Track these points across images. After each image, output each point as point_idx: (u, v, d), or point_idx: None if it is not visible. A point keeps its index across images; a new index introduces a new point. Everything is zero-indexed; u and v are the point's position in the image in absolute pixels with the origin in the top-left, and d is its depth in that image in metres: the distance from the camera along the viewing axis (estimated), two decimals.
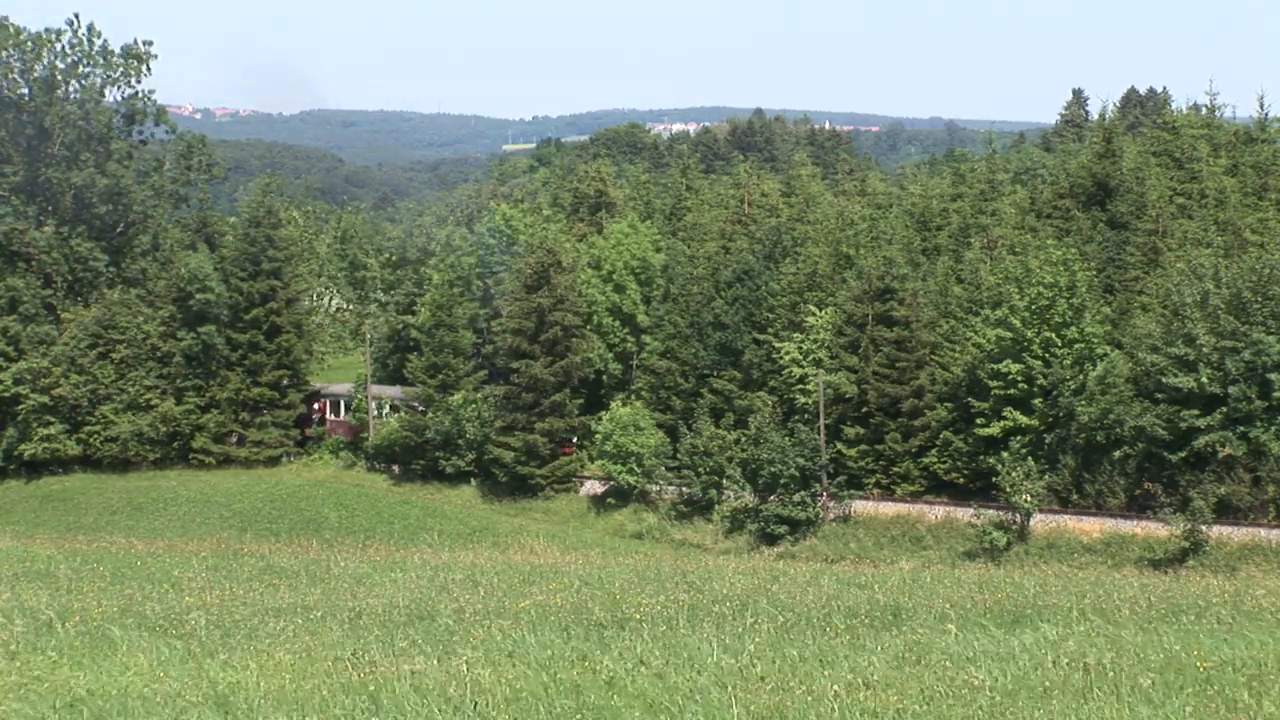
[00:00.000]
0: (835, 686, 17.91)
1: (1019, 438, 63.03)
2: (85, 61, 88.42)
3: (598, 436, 72.55)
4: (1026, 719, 16.48)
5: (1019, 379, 63.10)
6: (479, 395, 76.01)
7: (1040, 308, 63.47)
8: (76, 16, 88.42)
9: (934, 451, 66.81)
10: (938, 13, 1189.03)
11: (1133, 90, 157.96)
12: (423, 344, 79.19)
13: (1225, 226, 72.03)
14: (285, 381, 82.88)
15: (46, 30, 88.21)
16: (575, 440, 74.80)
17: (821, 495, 66.71)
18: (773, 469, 66.16)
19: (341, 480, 78.64)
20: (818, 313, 72.12)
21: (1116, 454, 61.80)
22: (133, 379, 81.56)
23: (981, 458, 64.33)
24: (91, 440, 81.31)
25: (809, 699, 17.30)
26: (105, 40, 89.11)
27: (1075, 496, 62.79)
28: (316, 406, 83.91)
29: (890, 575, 43.95)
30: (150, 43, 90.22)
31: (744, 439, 69.02)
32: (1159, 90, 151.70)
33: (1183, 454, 59.11)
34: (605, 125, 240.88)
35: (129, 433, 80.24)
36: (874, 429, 68.19)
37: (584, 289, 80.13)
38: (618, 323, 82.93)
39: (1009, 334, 63.57)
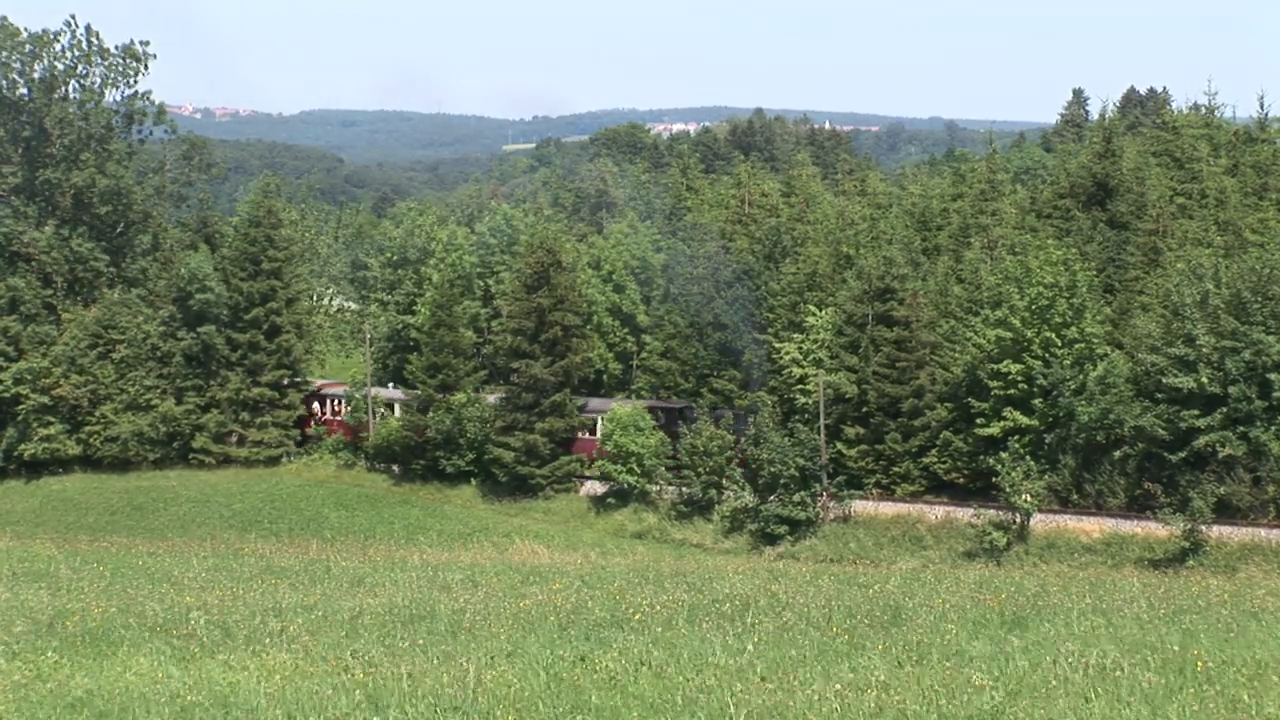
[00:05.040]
0: (835, 686, 17.93)
1: (1019, 438, 63.02)
2: (84, 62, 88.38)
3: (597, 437, 72.59)
4: (1027, 719, 16.49)
5: (1019, 379, 63.09)
6: (478, 395, 76.01)
7: (1040, 308, 63.45)
8: (73, 17, 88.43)
9: (934, 451, 66.79)
10: (938, 13, 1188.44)
11: (1133, 90, 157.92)
12: (423, 344, 79.17)
13: (1225, 226, 72.00)
14: (285, 381, 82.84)
15: (45, 31, 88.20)
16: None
17: (821, 495, 66.68)
18: (772, 469, 66.14)
19: (341, 480, 78.64)
20: (818, 313, 72.11)
21: (1116, 454, 61.79)
22: (133, 379, 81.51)
23: (981, 458, 64.29)
24: (91, 440, 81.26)
25: (809, 699, 17.30)
26: (101, 40, 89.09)
27: (1075, 496, 62.77)
28: (324, 409, 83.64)
29: (890, 575, 44.01)
30: (147, 43, 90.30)
31: (744, 439, 69.00)
32: (1159, 90, 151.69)
33: (1183, 454, 59.08)
34: (605, 125, 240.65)
35: (129, 433, 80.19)
36: (874, 429, 68.17)
37: (584, 289, 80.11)
38: (618, 323, 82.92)
39: (1009, 334, 63.56)
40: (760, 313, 74.71)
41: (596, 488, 73.22)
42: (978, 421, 64.33)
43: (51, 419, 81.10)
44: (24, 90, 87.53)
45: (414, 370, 78.10)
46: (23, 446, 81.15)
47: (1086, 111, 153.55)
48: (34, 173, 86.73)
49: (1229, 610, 28.86)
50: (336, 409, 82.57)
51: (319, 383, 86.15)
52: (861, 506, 66.65)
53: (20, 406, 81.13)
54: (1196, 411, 58.66)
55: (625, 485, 70.91)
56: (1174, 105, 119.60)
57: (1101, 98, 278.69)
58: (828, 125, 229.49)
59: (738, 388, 74.82)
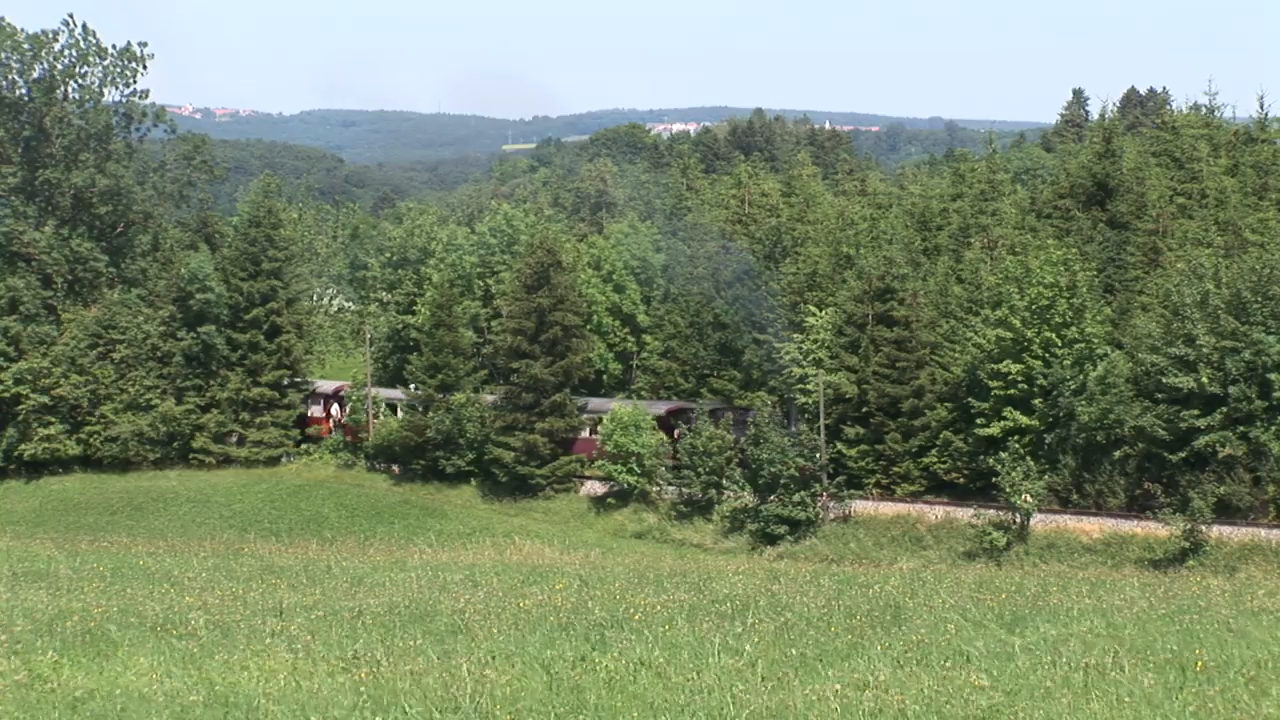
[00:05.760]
0: (835, 686, 17.92)
1: (1019, 438, 63.02)
2: (82, 62, 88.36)
3: (598, 437, 72.63)
4: (1026, 719, 16.49)
5: (1019, 379, 63.10)
6: (478, 395, 76.00)
7: (1040, 308, 63.46)
8: (71, 16, 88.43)
9: (934, 451, 66.78)
10: (937, 13, 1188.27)
11: (1133, 90, 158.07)
12: (423, 344, 79.16)
13: (1225, 226, 71.99)
14: (285, 381, 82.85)
15: (43, 31, 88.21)
16: None
17: (821, 495, 66.67)
18: (772, 469, 66.13)
19: (341, 480, 78.64)
20: (818, 313, 72.11)
21: (1116, 454, 61.80)
22: (133, 379, 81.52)
23: (981, 458, 64.31)
24: (91, 440, 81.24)
25: (809, 699, 17.30)
26: (99, 40, 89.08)
27: (1075, 496, 62.77)
28: (343, 411, 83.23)
29: (890, 575, 44.02)
30: (145, 43, 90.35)
31: (744, 439, 69.02)
32: (1159, 90, 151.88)
33: (1183, 454, 59.09)
34: (605, 125, 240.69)
35: (129, 433, 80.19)
36: (874, 429, 68.19)
37: (584, 289, 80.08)
38: (618, 323, 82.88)
39: (1009, 334, 63.57)
40: (760, 313, 74.72)
41: (596, 488, 73.24)
42: (978, 421, 64.33)
43: (51, 419, 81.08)
44: (23, 90, 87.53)
45: (414, 370, 78.09)
46: (23, 446, 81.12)
47: (1086, 111, 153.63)
48: (34, 173, 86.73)
49: (1229, 610, 28.86)
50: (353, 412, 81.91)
51: (337, 384, 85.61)
52: (861, 506, 66.64)
53: (20, 406, 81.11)
54: (1196, 411, 58.66)
55: (625, 485, 70.93)
56: (1174, 105, 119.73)
57: (1101, 98, 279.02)
58: (828, 125, 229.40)
59: (738, 388, 74.80)
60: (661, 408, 73.86)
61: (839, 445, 68.48)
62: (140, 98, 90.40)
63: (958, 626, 25.26)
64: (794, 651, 21.75)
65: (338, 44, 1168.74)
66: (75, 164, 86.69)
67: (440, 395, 75.74)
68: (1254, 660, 19.96)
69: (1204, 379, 58.35)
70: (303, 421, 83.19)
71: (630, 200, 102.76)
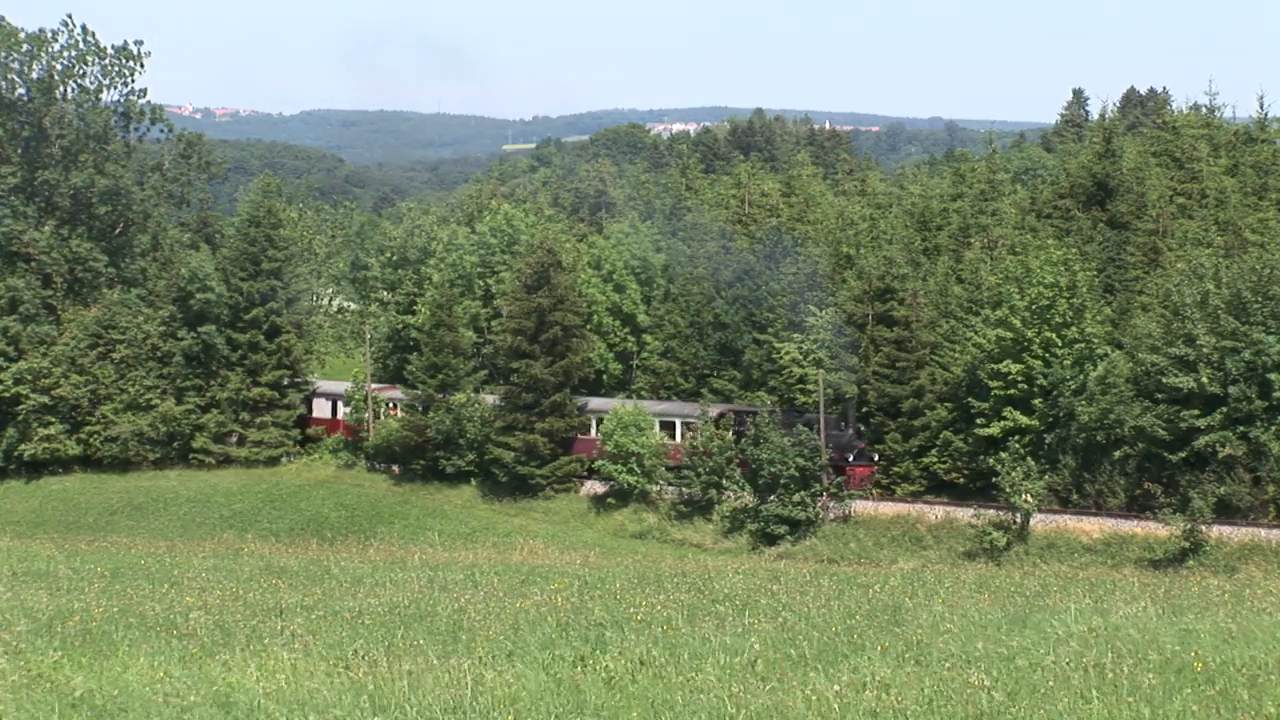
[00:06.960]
0: (835, 686, 17.93)
1: (1019, 438, 63.04)
2: (80, 62, 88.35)
3: (598, 437, 72.63)
4: (1026, 719, 16.49)
5: (1019, 379, 63.13)
6: (478, 395, 75.96)
7: (1040, 308, 63.49)
8: (70, 17, 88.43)
9: (934, 451, 66.82)
10: (937, 13, 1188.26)
11: (1133, 90, 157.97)
12: (423, 344, 79.13)
13: (1225, 226, 72.05)
14: (285, 381, 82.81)
15: (42, 30, 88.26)
16: None
17: (821, 495, 66.65)
18: (772, 469, 66.10)
19: (341, 480, 78.62)
20: (818, 313, 72.12)
21: (1116, 454, 61.83)
22: (133, 379, 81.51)
23: (981, 458, 64.33)
24: (91, 440, 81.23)
25: (809, 699, 17.31)
26: (97, 39, 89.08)
27: (1075, 496, 62.80)
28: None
29: (890, 575, 44.04)
30: (141, 42, 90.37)
31: (744, 439, 68.99)
32: (1159, 90, 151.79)
33: (1183, 454, 59.12)
34: (605, 125, 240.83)
35: (129, 433, 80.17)
36: (874, 429, 68.20)
37: (584, 289, 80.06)
38: (618, 323, 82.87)
39: (1009, 334, 63.60)
40: (760, 313, 74.71)
41: (596, 488, 73.23)
42: (978, 421, 64.35)
43: (51, 419, 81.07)
44: (22, 90, 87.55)
45: (414, 370, 78.05)
46: (23, 446, 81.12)
47: (1086, 111, 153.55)
48: (33, 173, 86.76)
49: (1229, 610, 28.86)
50: (392, 411, 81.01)
51: (373, 387, 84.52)
52: (861, 506, 66.65)
53: (20, 406, 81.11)
54: (1196, 411, 58.69)
55: (625, 485, 70.93)
56: (1174, 105, 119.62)
57: (1101, 98, 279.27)
58: (828, 125, 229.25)
59: (738, 388, 74.79)
60: (713, 410, 72.23)
61: None
62: (138, 97, 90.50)
63: (958, 626, 25.27)
64: (794, 651, 21.76)
65: (334, 43, 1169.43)
66: (74, 164, 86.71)
67: (440, 395, 75.71)
68: (1254, 660, 19.96)
69: (1204, 379, 58.37)
70: (303, 422, 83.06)
71: (630, 200, 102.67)
